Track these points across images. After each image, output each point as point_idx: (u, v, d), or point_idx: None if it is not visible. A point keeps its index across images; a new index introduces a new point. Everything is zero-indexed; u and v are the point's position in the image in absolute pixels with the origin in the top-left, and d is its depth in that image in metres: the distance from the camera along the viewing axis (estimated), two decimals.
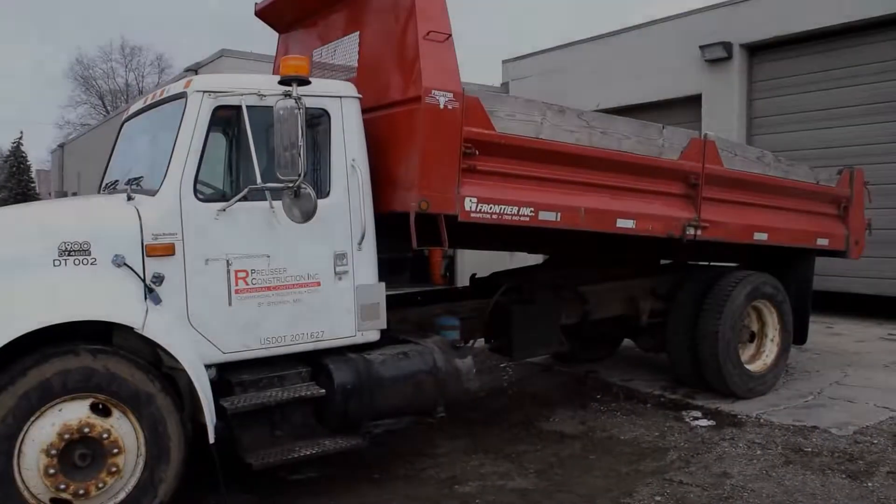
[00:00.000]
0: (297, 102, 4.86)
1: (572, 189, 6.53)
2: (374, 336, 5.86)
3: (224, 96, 5.27)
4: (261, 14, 7.61)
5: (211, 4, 74.14)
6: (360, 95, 5.85)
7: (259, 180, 5.08)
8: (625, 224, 6.86)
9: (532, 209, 6.14)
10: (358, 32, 6.49)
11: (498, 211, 5.93)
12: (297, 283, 5.46)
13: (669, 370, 8.92)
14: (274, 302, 5.38)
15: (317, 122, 5.66)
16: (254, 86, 5.31)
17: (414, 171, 5.60)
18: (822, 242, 9.17)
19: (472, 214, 5.80)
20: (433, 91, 5.56)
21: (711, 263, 9.39)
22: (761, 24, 15.09)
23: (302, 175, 4.88)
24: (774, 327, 8.79)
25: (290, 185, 4.92)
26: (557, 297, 7.79)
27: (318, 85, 5.60)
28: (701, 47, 15.77)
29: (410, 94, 5.67)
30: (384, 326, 5.91)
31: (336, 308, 5.65)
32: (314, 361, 5.61)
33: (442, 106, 5.58)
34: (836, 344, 11.38)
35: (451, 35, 5.72)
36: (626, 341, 10.09)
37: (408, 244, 5.54)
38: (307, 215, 5.03)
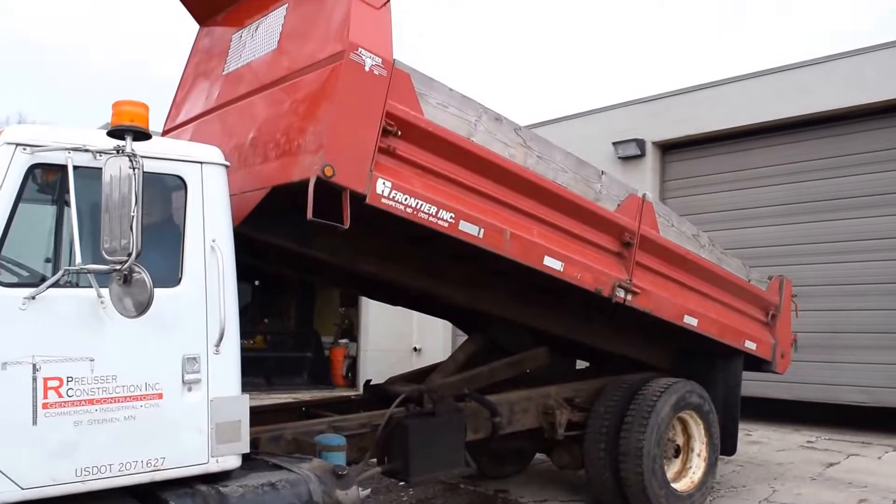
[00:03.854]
0: (131, 161, 3.69)
1: (500, 209, 5.83)
2: (233, 462, 4.55)
3: (44, 151, 4.03)
4: None
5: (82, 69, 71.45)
6: (228, 163, 4.72)
7: (79, 260, 3.84)
8: (552, 264, 6.10)
9: (453, 215, 5.34)
10: (286, 5, 5.73)
11: (414, 205, 5.11)
12: (130, 395, 4.15)
13: (588, 488, 7.80)
14: (98, 419, 4.04)
15: (169, 191, 4.50)
16: (81, 140, 4.10)
17: (323, 133, 4.71)
18: (750, 346, 8.36)
19: (384, 200, 4.94)
20: (360, 48, 4.83)
21: (630, 357, 8.39)
22: (674, 123, 14.73)
23: (134, 255, 3.69)
24: (701, 441, 7.83)
25: (119, 266, 3.72)
26: (463, 410, 6.64)
27: (173, 146, 4.49)
28: (614, 144, 15.28)
29: (333, 50, 4.94)
30: (246, 450, 4.63)
31: (183, 427, 4.34)
32: (151, 497, 4.26)
33: (367, 68, 4.86)
34: (758, 453, 10.61)
35: (389, 2, 5.05)
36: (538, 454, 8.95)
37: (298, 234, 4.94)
38: (140, 307, 3.80)
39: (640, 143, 14.96)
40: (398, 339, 18.42)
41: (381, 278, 6.49)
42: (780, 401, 13.13)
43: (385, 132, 5.00)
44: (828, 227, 13.10)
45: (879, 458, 10.38)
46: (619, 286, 6.65)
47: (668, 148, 15.17)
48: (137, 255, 3.70)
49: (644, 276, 6.97)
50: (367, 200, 4.87)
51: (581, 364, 9.45)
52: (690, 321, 7.48)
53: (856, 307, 12.65)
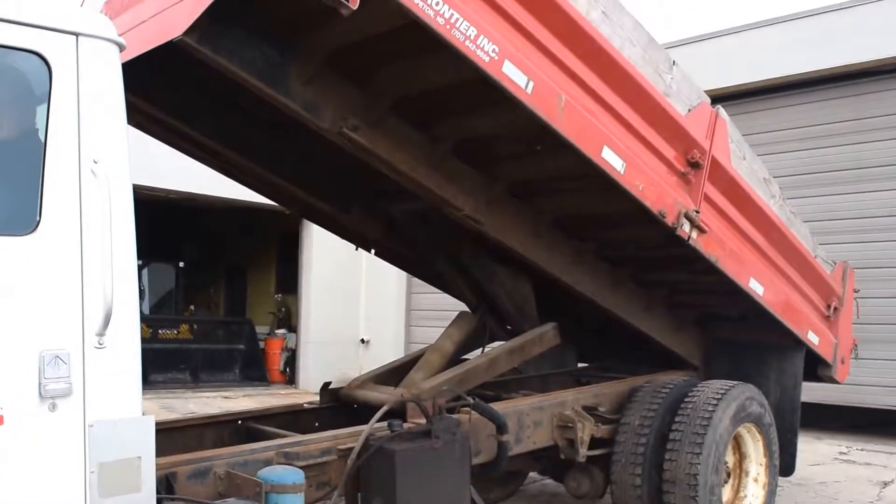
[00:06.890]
0: None
1: (554, 68, 4.61)
2: None
3: None
4: None
5: None
6: (123, 41, 3.09)
7: None
8: (612, 160, 4.93)
9: (497, 49, 4.18)
10: None
11: (447, 15, 3.91)
12: None
13: None
14: None
15: (19, 78, 2.90)
16: None
17: None
18: (813, 339, 7.04)
19: None
20: None
21: (655, 340, 7.12)
22: None
23: None
24: (759, 462, 6.43)
25: None
26: (463, 425, 5.08)
27: (27, 5, 2.85)
28: None
29: None
30: (150, 503, 3.04)
31: (42, 470, 2.75)
32: None
33: None
34: None
35: None
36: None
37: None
38: None
39: None
40: (343, 330, 17.32)
41: (364, 161, 5.05)
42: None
43: None
44: (853, 201, 12.10)
45: None
46: (686, 216, 5.42)
47: None
48: None
49: (711, 215, 5.75)
50: None
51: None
52: (756, 287, 6.18)
53: (889, 294, 11.58)
